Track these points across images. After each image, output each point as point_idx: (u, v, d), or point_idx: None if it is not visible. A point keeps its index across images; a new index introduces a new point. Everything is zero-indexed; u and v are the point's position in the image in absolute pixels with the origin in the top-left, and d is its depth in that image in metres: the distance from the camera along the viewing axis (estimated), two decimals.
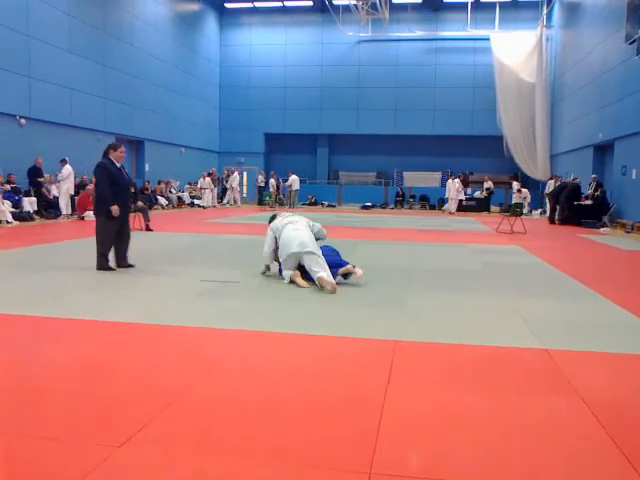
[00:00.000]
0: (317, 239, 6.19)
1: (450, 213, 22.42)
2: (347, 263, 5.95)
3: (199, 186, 22.37)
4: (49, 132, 16.01)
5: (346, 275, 5.87)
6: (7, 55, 14.38)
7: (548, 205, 19.22)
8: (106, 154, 6.57)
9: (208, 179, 22.46)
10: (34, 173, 14.62)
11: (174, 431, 2.39)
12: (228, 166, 26.13)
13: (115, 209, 6.35)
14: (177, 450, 2.23)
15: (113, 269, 6.46)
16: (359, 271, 5.83)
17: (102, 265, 6.45)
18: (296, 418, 2.56)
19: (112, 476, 2.03)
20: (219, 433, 2.39)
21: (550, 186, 20.00)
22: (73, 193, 15.13)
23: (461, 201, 23.64)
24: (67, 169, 14.67)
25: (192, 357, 3.42)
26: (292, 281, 5.81)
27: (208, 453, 2.22)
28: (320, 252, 5.84)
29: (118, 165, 6.56)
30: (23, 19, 14.92)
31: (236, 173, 24.26)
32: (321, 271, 5.54)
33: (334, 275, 5.72)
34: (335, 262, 5.96)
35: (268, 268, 6.35)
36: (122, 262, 6.65)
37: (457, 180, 23.04)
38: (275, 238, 6.10)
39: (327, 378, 3.11)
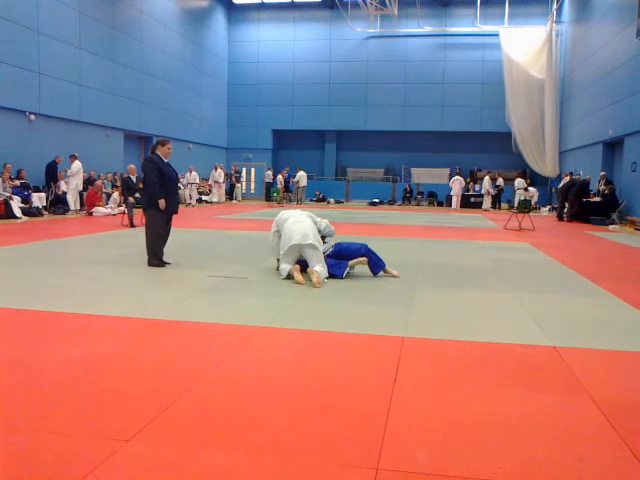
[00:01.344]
0: (324, 237, 6.20)
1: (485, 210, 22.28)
2: (369, 254, 6.11)
3: (185, 181, 22.20)
4: (58, 128, 16.09)
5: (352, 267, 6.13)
6: (17, 51, 14.46)
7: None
8: (154, 150, 6.64)
9: (195, 173, 22.28)
10: (52, 170, 14.77)
11: (182, 426, 2.40)
12: (220, 163, 25.90)
13: (162, 203, 6.42)
14: (185, 445, 2.24)
15: (163, 265, 6.51)
16: (395, 272, 6.19)
17: (152, 262, 6.51)
18: (303, 413, 2.57)
19: (120, 470, 2.04)
20: (226, 428, 2.40)
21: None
22: (82, 189, 15.22)
23: (470, 197, 23.53)
24: (77, 165, 14.75)
25: (199, 352, 3.43)
26: (289, 276, 5.79)
27: (215, 448, 2.23)
28: (321, 246, 5.84)
29: (166, 161, 6.63)
30: (33, 16, 15.00)
31: (219, 169, 24.08)
32: (316, 265, 5.65)
33: (345, 266, 5.90)
34: (357, 251, 6.10)
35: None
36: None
37: (481, 178, 22.64)
38: (278, 231, 6.10)
39: (334, 374, 3.11)
